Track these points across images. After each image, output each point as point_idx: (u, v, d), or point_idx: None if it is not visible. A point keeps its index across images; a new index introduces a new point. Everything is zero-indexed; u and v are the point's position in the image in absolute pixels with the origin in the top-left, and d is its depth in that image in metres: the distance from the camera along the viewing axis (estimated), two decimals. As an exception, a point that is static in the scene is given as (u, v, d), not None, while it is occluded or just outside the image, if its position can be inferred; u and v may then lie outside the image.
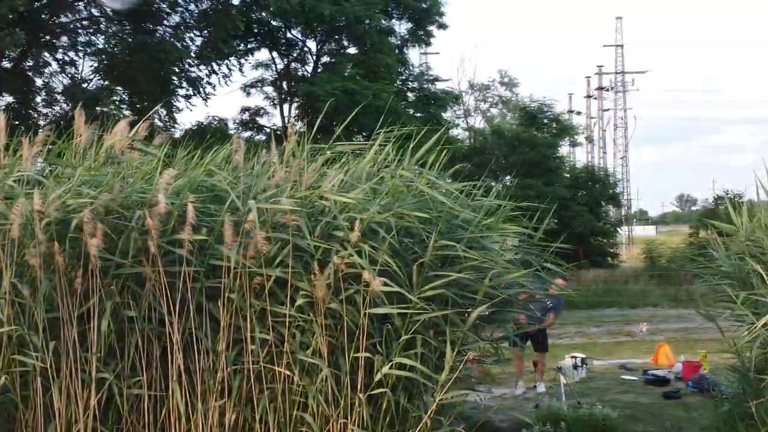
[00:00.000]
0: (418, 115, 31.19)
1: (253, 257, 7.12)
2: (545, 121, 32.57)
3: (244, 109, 33.27)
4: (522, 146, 32.20)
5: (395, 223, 7.60)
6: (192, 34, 24.65)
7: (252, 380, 7.36)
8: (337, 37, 31.17)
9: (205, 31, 24.27)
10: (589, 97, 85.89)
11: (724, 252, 10.14)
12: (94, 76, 25.85)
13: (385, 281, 7.18)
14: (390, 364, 7.36)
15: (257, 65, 33.17)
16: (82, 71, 25.91)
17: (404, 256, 7.86)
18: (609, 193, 32.51)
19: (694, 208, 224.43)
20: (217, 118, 32.74)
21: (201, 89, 28.55)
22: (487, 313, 8.61)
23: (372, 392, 7.38)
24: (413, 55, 39.70)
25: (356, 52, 30.84)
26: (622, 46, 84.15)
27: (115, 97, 26.83)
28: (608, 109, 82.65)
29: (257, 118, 33.53)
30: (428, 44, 32.74)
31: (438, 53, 64.02)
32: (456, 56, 63.33)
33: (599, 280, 30.73)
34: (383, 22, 31.36)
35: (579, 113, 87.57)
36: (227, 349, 7.21)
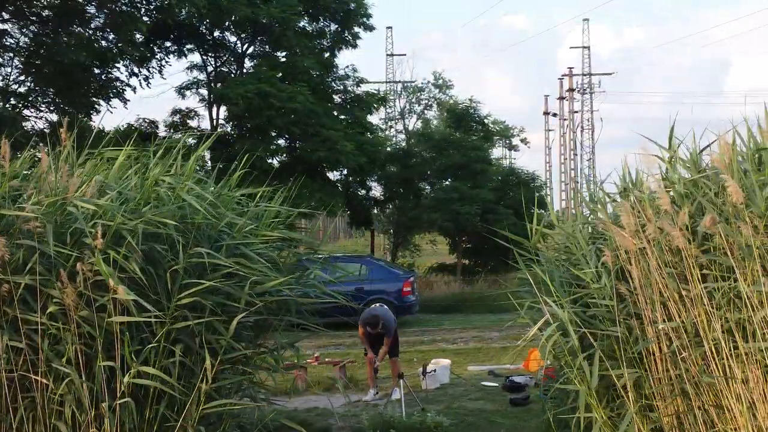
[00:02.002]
0: (342, 117, 31.15)
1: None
2: (472, 123, 32.62)
3: (174, 111, 33.09)
4: (449, 148, 32.22)
5: (146, 229, 7.56)
6: (102, 34, 24.45)
7: (7, 390, 7.30)
8: (260, 38, 31.06)
9: (112, 35, 24.14)
10: (561, 98, 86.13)
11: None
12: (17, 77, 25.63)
13: (125, 289, 7.13)
14: (130, 373, 7.31)
15: (191, 67, 33.03)
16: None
17: (161, 264, 7.83)
18: (534, 196, 32.39)
19: None
20: (147, 120, 32.56)
21: (119, 92, 28.40)
22: (251, 321, 8.60)
23: (120, 401, 7.32)
24: (344, 57, 39.65)
25: (279, 54, 30.74)
26: (588, 47, 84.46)
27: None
28: (577, 111, 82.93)
29: (188, 121, 33.31)
30: (354, 46, 32.67)
31: (404, 54, 63.99)
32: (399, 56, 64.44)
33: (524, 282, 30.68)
34: (305, 25, 31.32)
35: (555, 115, 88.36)
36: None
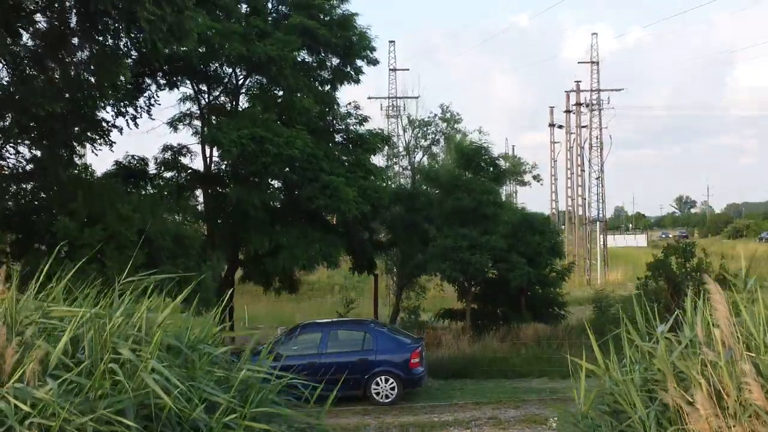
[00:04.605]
0: (344, 158, 29.11)
1: None
2: (482, 164, 30.54)
3: (165, 148, 31.00)
4: (458, 191, 30.14)
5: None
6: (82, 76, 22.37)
7: None
8: (256, 75, 29.02)
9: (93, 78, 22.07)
10: (568, 112, 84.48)
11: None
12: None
13: None
14: None
15: (184, 99, 31.00)
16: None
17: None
18: (548, 244, 30.43)
19: (693, 210, 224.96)
20: (136, 158, 30.49)
21: (105, 134, 26.44)
22: None
23: None
24: (346, 92, 37.64)
25: (275, 92, 28.69)
26: (597, 62, 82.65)
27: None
28: (585, 126, 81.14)
29: (180, 158, 31.23)
30: (357, 81, 30.63)
31: (407, 69, 62.15)
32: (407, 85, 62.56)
33: (539, 336, 28.78)
34: (305, 56, 29.31)
35: (561, 126, 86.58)
36: None
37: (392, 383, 21.89)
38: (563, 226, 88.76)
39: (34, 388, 6.04)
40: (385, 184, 30.92)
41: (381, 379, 21.93)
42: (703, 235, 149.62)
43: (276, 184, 28.81)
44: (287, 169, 26.02)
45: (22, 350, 6.45)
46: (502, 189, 35.67)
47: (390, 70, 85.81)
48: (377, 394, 21.89)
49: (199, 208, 31.10)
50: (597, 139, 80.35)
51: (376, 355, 22.13)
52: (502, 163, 32.79)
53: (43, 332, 7.03)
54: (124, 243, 21.99)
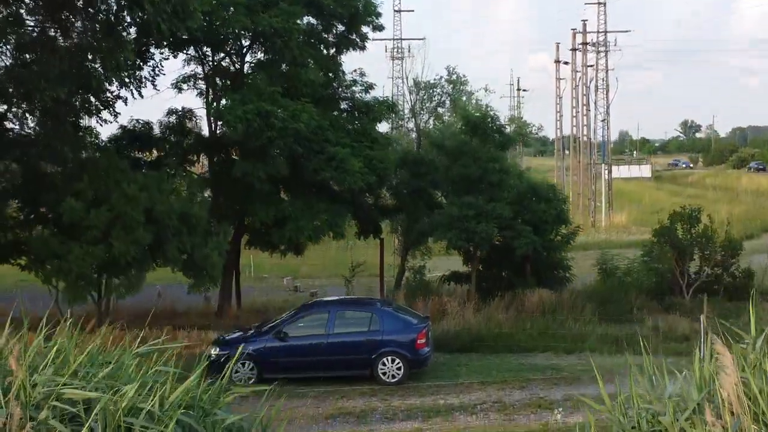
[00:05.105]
0: (349, 126, 28.92)
1: None
2: (488, 132, 30.29)
3: (170, 112, 30.81)
4: (463, 158, 29.96)
5: None
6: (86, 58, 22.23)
7: None
8: (261, 46, 28.76)
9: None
10: (574, 50, 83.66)
11: None
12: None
13: None
14: None
15: (189, 59, 30.71)
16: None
17: None
18: (553, 212, 30.31)
19: (698, 135, 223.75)
20: (141, 122, 30.33)
21: (109, 104, 26.38)
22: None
23: None
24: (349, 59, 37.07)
25: (280, 64, 28.41)
26: (604, 3, 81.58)
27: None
28: (591, 66, 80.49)
29: (185, 121, 31.05)
30: (363, 48, 30.36)
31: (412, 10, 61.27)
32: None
33: (544, 304, 28.82)
34: (310, 20, 28.96)
35: (566, 63, 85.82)
36: None
37: (399, 363, 22.05)
38: (567, 152, 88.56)
39: None
40: (390, 149, 30.79)
41: (388, 359, 22.09)
42: (707, 164, 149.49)
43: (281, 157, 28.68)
44: (292, 140, 25.88)
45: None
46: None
47: (395, 11, 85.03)
48: (384, 374, 22.08)
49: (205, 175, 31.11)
50: (603, 80, 79.82)
51: (383, 335, 22.27)
52: (508, 129, 32.56)
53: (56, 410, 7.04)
54: (131, 223, 22.06)
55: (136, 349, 8.36)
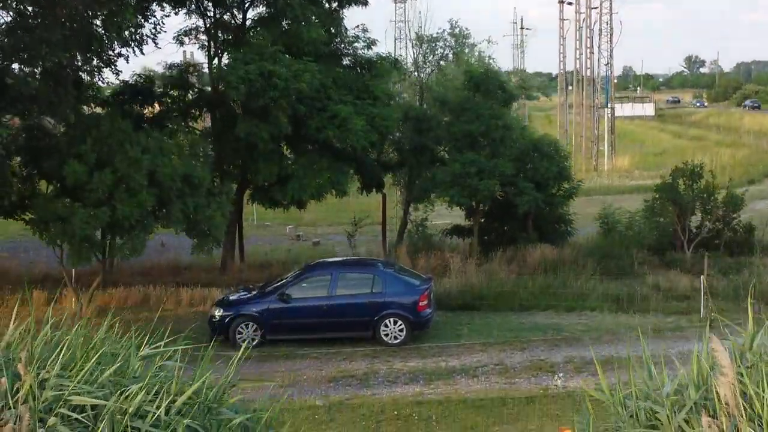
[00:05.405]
0: (352, 84, 28.72)
1: None
2: (491, 88, 30.16)
3: (171, 66, 30.70)
4: (466, 114, 29.88)
5: None
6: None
7: None
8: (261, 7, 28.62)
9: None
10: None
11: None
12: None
13: None
14: None
15: (190, 11, 30.48)
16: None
17: None
18: (555, 169, 30.32)
19: (702, 70, 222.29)
20: (142, 76, 30.22)
21: (111, 62, 26.24)
22: None
23: None
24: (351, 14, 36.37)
25: (281, 22, 28.20)
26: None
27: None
28: (596, 8, 79.69)
29: (187, 75, 30.91)
30: (365, 4, 30.09)
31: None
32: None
33: (545, 261, 28.92)
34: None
35: (570, 3, 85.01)
36: None
37: (401, 325, 22.26)
38: (570, 87, 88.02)
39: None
40: (393, 102, 30.64)
41: (390, 321, 22.29)
42: (712, 100, 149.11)
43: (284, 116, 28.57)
44: (295, 99, 25.80)
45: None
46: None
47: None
48: (386, 335, 22.29)
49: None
50: (607, 24, 79.11)
51: (385, 297, 22.43)
52: (511, 86, 32.40)
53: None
54: (134, 186, 22.10)
55: (139, 339, 8.46)
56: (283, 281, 23.43)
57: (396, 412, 17.53)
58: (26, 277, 29.14)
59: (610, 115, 77.10)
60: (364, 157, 29.88)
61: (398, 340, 22.24)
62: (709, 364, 8.64)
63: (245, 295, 23.61)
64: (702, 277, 24.36)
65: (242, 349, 7.91)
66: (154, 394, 7.53)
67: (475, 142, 30.11)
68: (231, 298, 23.71)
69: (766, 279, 27.00)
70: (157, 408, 7.31)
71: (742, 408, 7.58)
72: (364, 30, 29.98)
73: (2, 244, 34.75)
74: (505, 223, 32.43)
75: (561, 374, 19.15)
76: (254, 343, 21.95)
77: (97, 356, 7.84)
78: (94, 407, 7.25)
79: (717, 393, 7.72)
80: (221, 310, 22.62)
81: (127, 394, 7.38)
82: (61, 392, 7.33)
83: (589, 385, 17.57)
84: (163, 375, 8.20)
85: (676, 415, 7.99)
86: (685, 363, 8.42)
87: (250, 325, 22.30)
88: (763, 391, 7.61)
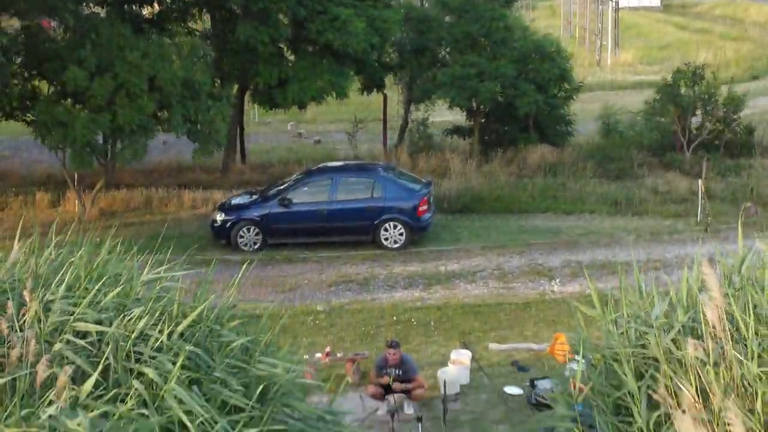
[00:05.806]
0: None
1: None
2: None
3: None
4: (467, 15, 29.57)
5: None
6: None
7: None
8: None
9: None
10: None
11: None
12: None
13: None
14: None
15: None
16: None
17: None
18: (557, 71, 30.14)
19: None
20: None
21: None
22: None
23: None
24: None
25: None
26: None
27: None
28: None
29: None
30: None
31: None
32: None
33: (546, 163, 28.97)
34: None
35: None
36: None
37: (401, 229, 22.47)
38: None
39: (66, 418, 6.40)
40: (394, 1, 30.19)
41: (389, 225, 22.50)
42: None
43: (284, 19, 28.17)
44: (295, 1, 25.52)
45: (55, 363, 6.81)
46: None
47: None
48: (386, 239, 22.54)
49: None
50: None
51: (385, 202, 22.59)
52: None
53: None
54: (134, 91, 22.12)
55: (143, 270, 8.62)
56: (285, 185, 23.57)
57: (395, 318, 17.88)
58: (29, 178, 29.36)
59: (614, 5, 75.75)
60: (364, 59, 29.61)
61: (398, 245, 22.50)
62: (698, 286, 8.86)
63: (247, 199, 23.80)
64: (699, 180, 24.45)
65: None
66: (158, 317, 7.71)
67: (477, 43, 29.91)
68: (232, 202, 23.91)
69: (764, 181, 27.17)
70: (160, 332, 7.51)
71: (728, 332, 7.80)
72: None
73: (4, 143, 34.75)
74: (506, 123, 32.34)
75: (558, 279, 19.46)
76: (256, 246, 22.29)
77: (101, 281, 8.02)
78: (99, 334, 7.44)
79: (704, 316, 7.92)
80: (223, 215, 22.84)
81: (130, 317, 7.57)
82: (66, 318, 7.52)
83: (584, 292, 17.91)
84: (166, 298, 8.40)
85: (664, 336, 8.25)
86: (679, 268, 8.55)
87: (251, 229, 22.55)
88: (749, 316, 7.81)
